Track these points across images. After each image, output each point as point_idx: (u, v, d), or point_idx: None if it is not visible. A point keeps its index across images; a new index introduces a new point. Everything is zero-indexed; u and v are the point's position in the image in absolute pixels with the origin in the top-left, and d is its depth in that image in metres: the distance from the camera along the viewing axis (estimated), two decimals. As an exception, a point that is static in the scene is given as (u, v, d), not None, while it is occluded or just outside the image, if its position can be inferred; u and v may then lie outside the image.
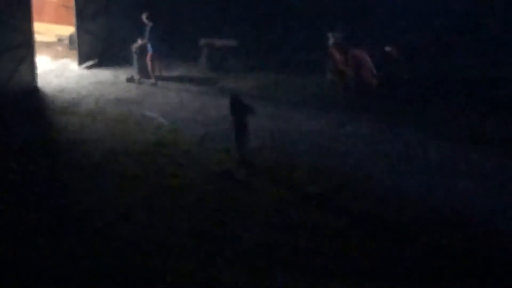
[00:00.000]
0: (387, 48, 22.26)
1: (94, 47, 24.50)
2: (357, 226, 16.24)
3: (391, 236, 15.95)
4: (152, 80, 23.02)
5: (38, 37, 23.60)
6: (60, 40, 25.86)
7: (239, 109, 18.78)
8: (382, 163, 18.64)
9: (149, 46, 22.84)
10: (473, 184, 17.95)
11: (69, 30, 25.16)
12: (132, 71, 23.39)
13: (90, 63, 24.25)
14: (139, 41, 23.12)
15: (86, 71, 23.91)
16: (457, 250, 15.62)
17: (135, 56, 23.18)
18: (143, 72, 23.17)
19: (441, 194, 17.49)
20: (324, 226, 15.94)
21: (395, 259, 15.13)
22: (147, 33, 22.88)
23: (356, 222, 16.36)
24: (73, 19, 23.99)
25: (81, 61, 24.04)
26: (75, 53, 24.28)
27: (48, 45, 25.42)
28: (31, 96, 21.94)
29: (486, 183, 18.05)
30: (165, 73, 23.41)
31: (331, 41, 22.88)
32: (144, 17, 22.79)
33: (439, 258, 15.34)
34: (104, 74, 23.76)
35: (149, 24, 22.85)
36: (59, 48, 25.60)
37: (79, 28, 23.88)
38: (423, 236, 16.04)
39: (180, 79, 23.46)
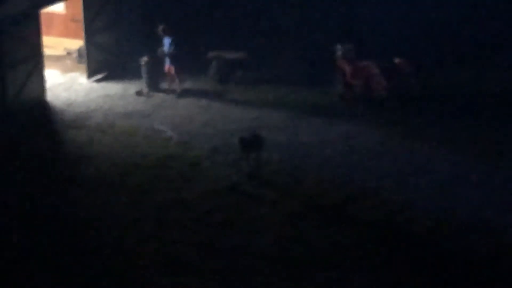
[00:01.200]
0: (397, 60, 22.12)
1: (103, 60, 24.43)
2: (367, 238, 16.15)
3: (401, 247, 15.91)
4: (177, 90, 23.11)
5: (47, 51, 23.70)
6: (69, 53, 25.82)
7: (249, 147, 18.78)
8: (390, 175, 18.55)
9: (166, 59, 22.83)
10: (483, 196, 17.82)
11: (78, 43, 25.14)
12: (141, 85, 23.35)
13: (99, 76, 24.17)
14: (160, 51, 23.12)
15: (95, 85, 23.85)
16: (469, 258, 15.61)
17: (144, 69, 23.13)
18: (152, 85, 23.14)
19: (450, 205, 17.42)
20: (336, 239, 15.91)
21: (408, 271, 15.05)
22: (166, 46, 22.85)
23: (366, 234, 16.29)
24: (82, 32, 23.97)
25: (90, 74, 23.99)
26: (84, 66, 24.27)
27: (57, 58, 25.42)
28: (40, 109, 21.94)
29: (496, 195, 17.93)
30: (174, 86, 23.36)
31: (339, 53, 22.75)
32: (160, 29, 22.83)
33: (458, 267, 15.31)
34: (113, 88, 23.72)
35: (165, 37, 22.84)
36: (68, 62, 25.56)
37: (88, 41, 23.91)
38: (433, 246, 15.97)
39: (188, 92, 23.39)
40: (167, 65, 22.91)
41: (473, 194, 17.89)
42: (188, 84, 23.75)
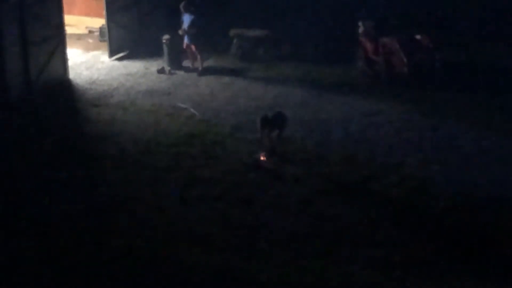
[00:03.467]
0: (418, 36, 22.30)
1: (125, 39, 24.70)
2: (389, 216, 16.19)
3: (421, 225, 15.92)
4: (199, 67, 23.27)
5: (69, 30, 23.95)
6: (90, 32, 26.24)
7: (272, 125, 18.79)
8: (413, 152, 18.62)
9: (186, 36, 23.05)
10: (507, 171, 17.85)
11: (99, 22, 25.38)
12: (162, 63, 23.56)
13: (120, 54, 24.41)
14: (185, 23, 23.17)
15: (116, 63, 24.08)
16: (494, 231, 15.53)
17: (165, 48, 23.31)
18: (174, 63, 23.31)
19: (473, 182, 17.38)
20: (357, 217, 15.94)
21: (427, 249, 15.04)
22: (185, 23, 23.00)
23: (390, 211, 16.34)
24: (103, 11, 24.15)
25: (112, 53, 24.25)
26: (105, 45, 24.53)
27: (79, 37, 25.78)
28: (62, 88, 22.11)
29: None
30: (196, 64, 23.51)
31: (361, 30, 22.83)
32: (181, 6, 22.95)
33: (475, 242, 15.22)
34: (135, 66, 23.91)
35: (185, 14, 22.97)
36: (90, 40, 25.88)
37: (109, 20, 24.08)
38: (456, 222, 15.94)
39: (210, 70, 23.53)
40: (186, 43, 23.03)
41: (497, 169, 17.90)
42: (210, 62, 23.90)
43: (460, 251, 15.06)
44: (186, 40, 23.02)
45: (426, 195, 16.89)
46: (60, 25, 22.19)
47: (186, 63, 23.57)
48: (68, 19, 23.93)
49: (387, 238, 15.40)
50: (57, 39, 21.92)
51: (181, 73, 23.24)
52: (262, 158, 18.02)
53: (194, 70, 23.25)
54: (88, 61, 24.11)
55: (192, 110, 20.63)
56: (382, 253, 14.74)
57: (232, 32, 24.50)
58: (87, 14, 26.37)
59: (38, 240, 15.37)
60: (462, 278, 14.19)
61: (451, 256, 14.81)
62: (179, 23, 23.19)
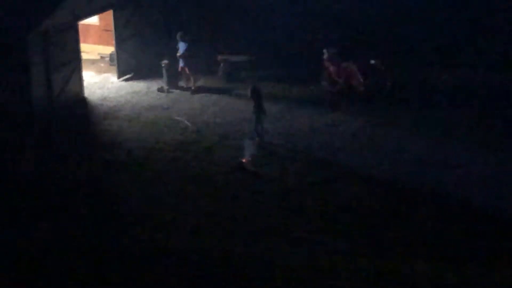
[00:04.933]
0: (372, 61, 22.12)
1: (130, 63, 24.38)
2: (349, 209, 16.23)
3: (380, 215, 16.05)
4: (192, 87, 23.07)
5: (84, 56, 23.86)
6: (102, 57, 25.76)
7: (257, 94, 19.09)
8: (369, 155, 18.61)
9: (180, 60, 22.84)
10: (435, 162, 18.23)
11: (109, 49, 25.04)
12: (161, 83, 23.37)
13: (127, 76, 24.13)
14: (179, 53, 23.02)
15: (123, 83, 23.85)
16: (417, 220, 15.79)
17: (164, 70, 23.15)
18: (171, 83, 23.18)
19: (405, 172, 17.76)
20: (320, 210, 16.05)
21: (382, 233, 15.31)
22: (181, 50, 22.86)
23: (348, 206, 16.37)
24: (112, 40, 24.02)
25: (120, 75, 23.97)
26: (114, 68, 24.23)
27: (92, 62, 25.40)
28: (79, 104, 22.00)
29: (447, 166, 18.14)
30: (189, 84, 23.42)
31: (325, 56, 22.70)
32: (178, 36, 22.84)
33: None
34: (139, 86, 23.70)
35: (180, 42, 22.86)
36: (102, 65, 25.45)
37: (117, 47, 23.89)
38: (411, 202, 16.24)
39: (201, 89, 23.39)
40: (181, 66, 22.88)
41: (428, 163, 18.21)
42: (201, 82, 23.69)
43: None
44: (181, 64, 22.90)
45: (381, 191, 17.04)
46: (77, 52, 22.11)
47: (181, 83, 23.44)
48: (83, 47, 23.90)
49: (347, 226, 15.53)
50: (74, 63, 21.86)
51: (177, 91, 23.10)
52: (244, 161, 17.94)
53: (188, 89, 23.12)
54: (100, 82, 23.90)
55: (186, 122, 20.58)
56: (345, 241, 14.94)
57: (219, 57, 24.22)
58: (99, 43, 26.19)
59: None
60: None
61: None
62: (175, 49, 23.06)
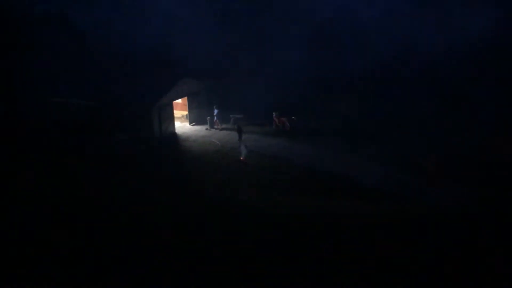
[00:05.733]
0: (293, 117, 22.06)
1: (195, 117, 23.64)
2: (285, 174, 15.87)
3: (299, 178, 15.61)
4: (219, 129, 22.31)
5: (176, 115, 23.76)
6: (182, 116, 24.70)
7: (239, 130, 18.82)
8: (293, 155, 18.13)
9: (215, 117, 22.42)
10: (315, 157, 17.59)
11: (185, 112, 24.30)
12: (207, 126, 22.68)
13: (193, 123, 23.60)
14: (215, 113, 21.99)
15: (192, 126, 23.21)
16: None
17: (208, 121, 22.71)
18: (212, 126, 22.73)
19: (321, 163, 16.87)
20: (281, 182, 15.56)
21: (299, 185, 14.78)
22: (216, 112, 22.21)
23: (285, 172, 16.14)
24: (187, 108, 23.62)
25: (190, 123, 23.56)
26: (187, 120, 23.77)
27: (178, 118, 24.39)
28: (173, 135, 21.53)
29: (320, 156, 17.44)
30: (219, 127, 22.47)
31: (274, 115, 21.65)
32: (215, 106, 22.49)
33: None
34: (198, 127, 22.92)
35: (216, 109, 22.26)
36: (182, 118, 24.50)
37: (189, 111, 23.51)
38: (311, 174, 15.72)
39: (224, 129, 22.34)
40: (215, 120, 22.52)
41: (314, 157, 17.69)
42: (224, 126, 22.69)
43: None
44: (215, 118, 22.44)
45: (303, 168, 16.37)
46: (172, 114, 21.94)
47: (215, 126, 22.58)
48: (175, 112, 23.75)
49: (284, 182, 15.25)
50: (170, 118, 21.75)
51: (213, 130, 22.41)
52: (241, 158, 17.77)
53: (217, 129, 22.45)
54: (181, 126, 23.22)
55: (217, 142, 20.41)
56: (284, 188, 14.64)
57: (230, 115, 23.42)
58: (181, 110, 24.70)
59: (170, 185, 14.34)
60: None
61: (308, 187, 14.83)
62: (212, 112, 22.55)
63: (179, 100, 24.34)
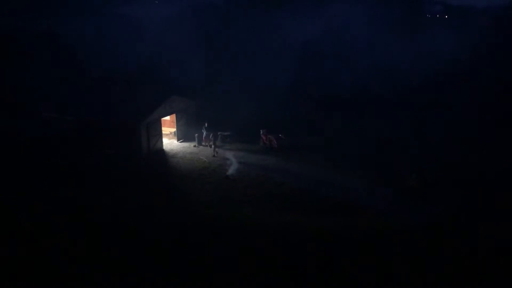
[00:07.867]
0: (280, 135, 22.25)
1: (182, 134, 23.66)
2: (273, 194, 15.94)
3: (283, 192, 16.11)
4: (209, 147, 22.17)
5: (164, 131, 23.73)
6: (170, 132, 24.61)
7: (214, 138, 19.07)
8: (280, 173, 18.49)
9: (204, 135, 22.42)
10: (303, 173, 17.84)
11: (173, 129, 24.48)
12: (195, 143, 22.79)
13: (181, 140, 23.54)
14: (203, 131, 22.19)
15: (179, 143, 23.20)
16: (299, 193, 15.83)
17: (196, 138, 22.88)
18: (200, 143, 22.87)
19: (298, 178, 17.36)
20: (269, 197, 15.88)
21: (276, 202, 15.30)
22: (204, 131, 22.36)
23: (272, 193, 16.32)
24: (175, 125, 23.76)
25: (178, 139, 23.57)
26: (175, 137, 23.75)
27: (166, 134, 24.21)
28: (160, 152, 21.62)
29: (311, 172, 17.68)
30: (208, 144, 22.31)
31: (262, 132, 21.76)
32: (204, 126, 22.54)
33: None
34: (186, 144, 22.95)
35: (205, 128, 22.44)
36: (170, 135, 24.33)
37: (177, 128, 23.58)
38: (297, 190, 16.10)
39: (211, 146, 21.77)
40: (204, 137, 22.53)
41: (303, 174, 17.87)
42: (211, 143, 21.96)
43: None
44: (204, 136, 22.60)
45: (286, 186, 16.77)
46: (160, 130, 22.03)
47: (203, 143, 22.57)
48: (164, 128, 23.72)
49: (266, 195, 15.59)
50: (159, 135, 21.87)
51: (201, 147, 22.42)
52: (228, 173, 18.20)
53: (206, 146, 22.47)
54: (169, 143, 23.14)
55: (204, 159, 20.57)
56: (269, 202, 14.93)
57: (218, 133, 23.06)
58: (169, 126, 24.76)
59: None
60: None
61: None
62: (201, 130, 22.68)
63: (168, 117, 24.27)
